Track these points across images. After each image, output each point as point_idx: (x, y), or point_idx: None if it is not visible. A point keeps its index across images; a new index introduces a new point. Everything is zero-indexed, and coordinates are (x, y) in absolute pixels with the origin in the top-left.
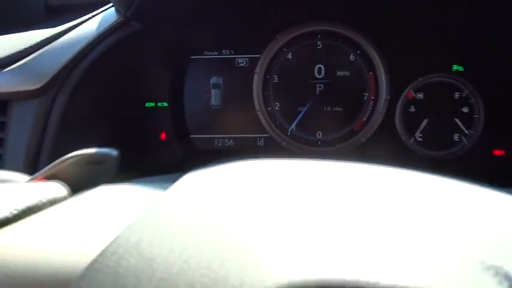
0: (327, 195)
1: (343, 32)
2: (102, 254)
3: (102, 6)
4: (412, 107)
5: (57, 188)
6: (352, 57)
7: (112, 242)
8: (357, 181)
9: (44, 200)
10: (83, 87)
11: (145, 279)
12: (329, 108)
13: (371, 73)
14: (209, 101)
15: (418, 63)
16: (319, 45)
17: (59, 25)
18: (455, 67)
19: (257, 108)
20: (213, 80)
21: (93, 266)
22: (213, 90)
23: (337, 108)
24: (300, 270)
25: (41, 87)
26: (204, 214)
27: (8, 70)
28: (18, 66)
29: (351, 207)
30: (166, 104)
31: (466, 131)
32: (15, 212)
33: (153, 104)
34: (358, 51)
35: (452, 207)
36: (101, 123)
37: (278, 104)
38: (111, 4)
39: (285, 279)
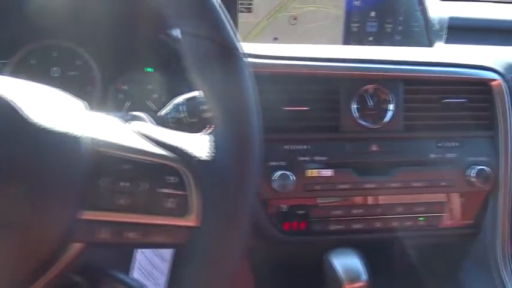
0: None
1: (70, 45)
2: None
3: None
4: (121, 94)
5: None
6: (78, 62)
7: None
8: None
9: None
10: None
11: None
12: None
13: (91, 72)
14: None
15: (121, 66)
16: (55, 54)
17: None
18: (147, 69)
19: None
20: None
21: None
22: None
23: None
24: None
25: None
26: None
27: None
28: None
29: None
30: None
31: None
32: None
33: None
34: (82, 58)
35: None
36: None
37: None
38: None
39: None
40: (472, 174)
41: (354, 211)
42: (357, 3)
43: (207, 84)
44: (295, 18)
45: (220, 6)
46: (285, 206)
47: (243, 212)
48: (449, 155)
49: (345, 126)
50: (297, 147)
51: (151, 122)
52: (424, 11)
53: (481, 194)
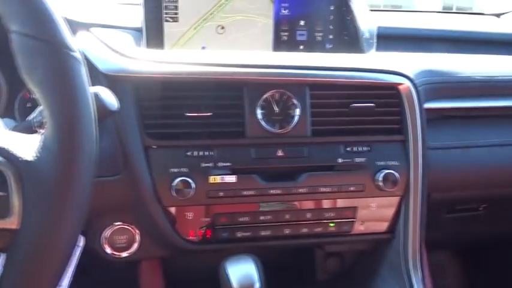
0: None
1: None
2: None
3: None
4: (29, 103)
5: None
6: None
7: None
8: None
9: None
10: None
11: None
12: None
13: None
14: None
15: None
16: None
17: None
18: None
19: None
20: None
21: None
22: None
23: None
24: None
25: None
26: None
27: None
28: None
29: None
30: None
31: None
32: None
33: None
34: None
35: None
36: None
37: None
38: None
39: None
40: (380, 179)
41: (261, 217)
42: (285, 12)
43: (36, 83)
44: (222, 28)
45: (49, 5)
46: (190, 213)
47: (68, 213)
48: (358, 160)
49: (250, 131)
50: (200, 153)
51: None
52: (353, 20)
53: (394, 199)
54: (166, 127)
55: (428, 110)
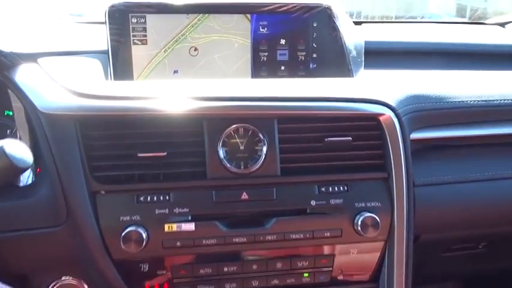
0: None
1: None
2: None
3: None
4: None
5: None
6: None
7: None
8: None
9: None
10: None
11: None
12: None
13: None
14: None
15: None
16: None
17: None
18: (6, 112)
19: None
20: None
21: None
22: None
23: None
24: None
25: None
26: None
27: None
28: None
29: None
30: None
31: None
32: None
33: None
34: None
35: None
36: None
37: None
38: None
39: None
40: (359, 223)
41: (225, 269)
42: (263, 30)
43: None
44: (195, 49)
45: None
46: (144, 265)
47: None
48: (334, 202)
49: (211, 172)
50: (154, 198)
51: None
52: (338, 37)
53: (376, 245)
54: (116, 169)
55: (415, 140)
